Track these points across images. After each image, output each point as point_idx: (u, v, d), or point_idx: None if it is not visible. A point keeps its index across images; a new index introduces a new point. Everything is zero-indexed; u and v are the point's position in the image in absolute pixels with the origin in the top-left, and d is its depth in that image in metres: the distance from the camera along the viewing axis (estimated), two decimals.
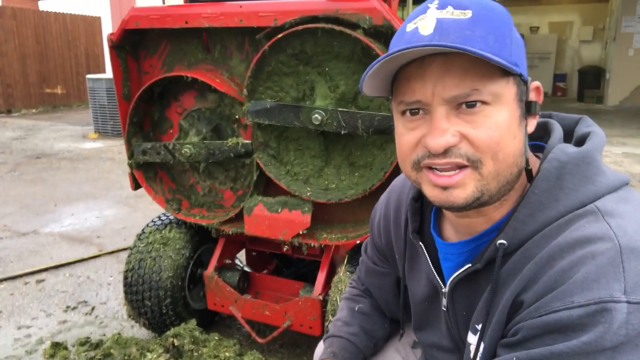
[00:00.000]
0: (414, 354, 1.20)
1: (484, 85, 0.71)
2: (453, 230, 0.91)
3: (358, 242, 2.06)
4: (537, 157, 0.85)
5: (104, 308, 2.70)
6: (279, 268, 2.72)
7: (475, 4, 0.72)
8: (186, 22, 1.83)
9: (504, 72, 0.72)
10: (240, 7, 1.76)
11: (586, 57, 13.74)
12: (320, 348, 1.23)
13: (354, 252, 2.02)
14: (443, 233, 0.94)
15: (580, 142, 0.82)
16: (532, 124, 0.80)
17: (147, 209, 4.36)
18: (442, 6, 0.72)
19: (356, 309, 1.20)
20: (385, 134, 1.74)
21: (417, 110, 0.76)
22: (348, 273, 1.93)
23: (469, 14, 0.71)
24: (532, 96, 0.79)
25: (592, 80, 12.38)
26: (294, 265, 2.69)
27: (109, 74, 9.26)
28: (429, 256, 0.94)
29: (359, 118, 1.72)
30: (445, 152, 0.73)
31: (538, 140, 0.87)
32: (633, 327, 0.63)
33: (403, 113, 0.78)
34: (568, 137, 0.85)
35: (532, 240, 0.75)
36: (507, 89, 0.73)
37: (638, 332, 0.63)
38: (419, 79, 0.74)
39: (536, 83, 0.80)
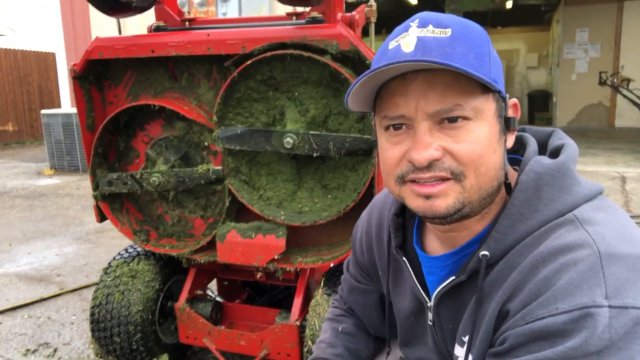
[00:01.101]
0: None
1: (465, 101, 0.74)
2: (437, 244, 0.93)
3: (332, 265, 2.06)
4: (515, 169, 0.87)
5: (68, 349, 2.56)
6: (251, 297, 2.67)
7: (455, 22, 0.76)
8: (152, 51, 1.83)
9: (484, 89, 0.76)
10: (208, 35, 1.77)
11: (533, 81, 14.49)
12: None
13: (330, 275, 2.02)
14: (425, 247, 0.95)
15: (555, 153, 0.85)
16: (510, 139, 0.83)
17: (109, 244, 4.22)
18: (422, 25, 0.75)
19: (340, 329, 1.19)
20: (356, 155, 1.77)
21: (400, 125, 0.78)
22: (325, 296, 1.92)
23: (449, 32, 0.74)
24: (510, 112, 0.82)
25: (541, 103, 13.02)
26: (266, 292, 2.65)
27: (64, 108, 9.05)
28: (412, 271, 0.95)
29: (331, 140, 1.75)
30: (429, 165, 0.75)
31: (513, 154, 0.90)
32: (616, 330, 0.65)
33: (387, 128, 0.80)
34: (542, 149, 0.89)
35: (514, 250, 0.77)
36: (487, 105, 0.76)
37: (620, 335, 0.65)
38: (402, 94, 0.76)
39: (514, 100, 0.83)
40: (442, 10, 12.03)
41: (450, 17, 0.77)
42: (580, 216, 0.75)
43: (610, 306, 0.66)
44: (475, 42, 0.75)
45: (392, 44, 0.77)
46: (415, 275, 0.95)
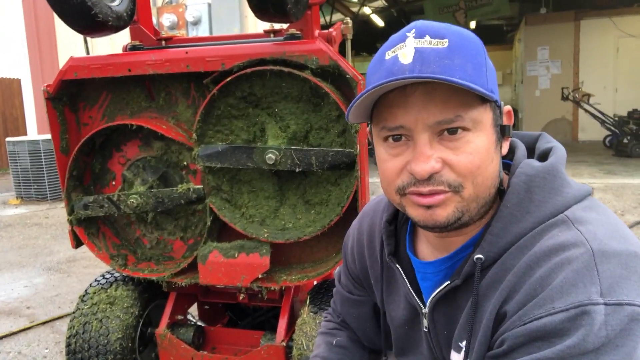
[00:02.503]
0: None
1: (465, 112, 0.75)
2: (429, 249, 0.93)
3: (315, 282, 2.03)
4: (505, 173, 0.88)
5: None
6: (232, 321, 2.61)
7: (452, 32, 0.76)
8: (129, 70, 1.80)
9: (482, 99, 0.76)
10: (186, 52, 1.76)
11: (500, 98, 14.91)
12: None
13: (316, 292, 1.99)
14: (418, 253, 0.95)
15: (543, 156, 0.86)
16: (505, 146, 0.84)
17: (81, 273, 4.07)
18: (419, 35, 0.75)
19: (334, 342, 1.17)
20: (339, 169, 1.77)
21: (399, 137, 0.78)
22: (312, 314, 1.89)
23: (446, 43, 0.74)
24: (505, 120, 0.83)
25: None
26: (248, 315, 2.59)
27: (30, 136, 8.80)
28: (406, 278, 0.94)
29: (313, 155, 1.74)
30: (429, 178, 0.75)
31: (503, 159, 0.91)
32: (612, 327, 0.65)
33: (385, 139, 0.80)
34: (529, 153, 0.90)
35: (509, 253, 0.78)
36: (485, 115, 0.78)
37: (617, 332, 0.65)
38: (402, 106, 0.76)
39: (507, 107, 0.84)
40: None
41: (447, 26, 0.78)
42: (572, 216, 0.76)
43: (605, 303, 0.66)
44: (472, 52, 0.76)
45: (388, 54, 0.77)
46: (409, 282, 0.94)
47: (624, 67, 11.45)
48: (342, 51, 2.20)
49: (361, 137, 1.70)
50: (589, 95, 9.69)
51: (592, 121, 10.03)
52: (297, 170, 1.76)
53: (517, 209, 0.78)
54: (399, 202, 0.82)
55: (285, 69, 1.69)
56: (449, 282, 0.85)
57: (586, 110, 9.69)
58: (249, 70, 1.71)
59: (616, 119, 9.37)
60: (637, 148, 8.83)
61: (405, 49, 0.74)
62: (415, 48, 0.74)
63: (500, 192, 0.83)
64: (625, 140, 9.00)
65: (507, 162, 0.89)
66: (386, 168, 0.81)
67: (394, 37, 0.79)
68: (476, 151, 0.76)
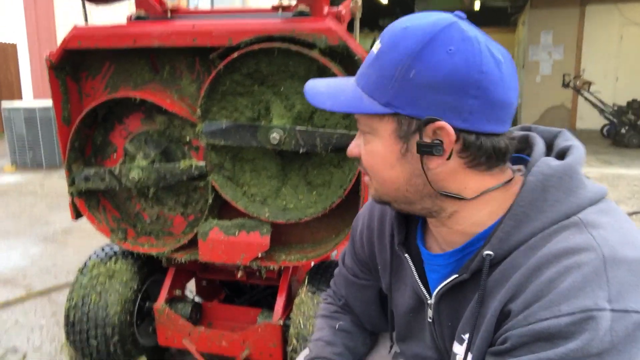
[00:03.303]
0: None
1: (362, 117, 0.83)
2: (437, 242, 0.93)
3: (313, 263, 2.04)
4: (519, 169, 0.87)
5: (38, 354, 2.45)
6: (229, 297, 2.62)
7: (388, 37, 0.79)
8: (134, 42, 1.76)
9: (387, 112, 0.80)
10: (193, 26, 1.72)
11: None
12: None
13: (314, 272, 2.00)
14: (428, 245, 0.95)
15: (561, 155, 0.85)
16: (435, 163, 0.79)
17: (78, 244, 4.07)
18: (380, 37, 0.82)
19: (337, 326, 1.17)
20: (343, 151, 1.76)
21: None
22: (310, 294, 1.90)
23: (377, 48, 0.79)
24: (429, 137, 0.76)
25: None
26: (245, 292, 2.60)
27: (26, 101, 8.70)
28: (414, 268, 0.95)
29: (318, 136, 1.72)
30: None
31: (520, 153, 0.90)
32: (617, 334, 0.66)
33: None
34: (548, 149, 0.89)
35: (518, 251, 0.77)
36: (381, 125, 0.80)
37: (621, 338, 0.66)
38: None
39: (439, 124, 0.74)
40: (412, 11, 12.18)
41: (398, 26, 0.79)
42: (585, 219, 0.76)
43: (612, 310, 0.66)
44: (389, 62, 0.77)
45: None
46: (417, 273, 0.94)
47: (627, 56, 11.36)
48: (349, 29, 2.16)
49: None
50: (589, 83, 9.63)
51: (591, 110, 10.00)
52: (300, 151, 1.75)
53: (530, 208, 0.78)
54: None
55: (293, 47, 1.66)
56: (456, 275, 0.85)
57: (586, 99, 9.64)
58: (256, 46, 1.68)
59: (615, 108, 9.34)
60: (634, 139, 8.82)
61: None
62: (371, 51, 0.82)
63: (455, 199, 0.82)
64: (623, 131, 8.98)
65: (525, 158, 0.88)
66: None
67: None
68: (371, 153, 0.83)
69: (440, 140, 0.76)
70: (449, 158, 0.78)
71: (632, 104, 9.14)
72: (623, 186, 6.01)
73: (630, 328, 0.66)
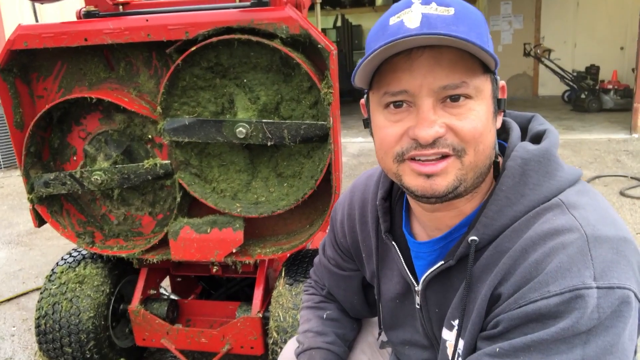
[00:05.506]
0: (380, 354, 1.20)
1: (470, 79, 0.75)
2: (422, 229, 0.93)
3: (288, 254, 2.03)
4: (499, 155, 0.88)
5: None
6: (205, 291, 2.60)
7: (456, 3, 0.76)
8: (86, 40, 1.68)
9: (485, 69, 0.77)
10: (147, 20, 1.65)
11: None
12: None
13: (290, 264, 1.99)
14: (414, 232, 0.96)
15: (536, 139, 0.87)
16: (499, 120, 0.85)
17: (44, 245, 3.95)
18: (426, 2, 0.74)
19: (324, 316, 1.17)
20: (312, 141, 1.73)
21: (400, 103, 0.77)
22: (287, 286, 1.89)
23: (452, 11, 0.74)
24: (500, 94, 0.83)
25: None
26: (221, 285, 2.58)
27: None
28: (401, 255, 0.95)
29: (285, 128, 1.69)
30: (433, 142, 0.75)
31: (497, 139, 0.91)
32: (603, 310, 0.68)
33: (386, 105, 0.79)
34: (522, 134, 0.90)
35: (503, 235, 0.79)
36: (486, 85, 0.78)
37: (607, 314, 0.68)
38: (407, 70, 0.75)
39: (502, 82, 0.84)
40: None
41: None
42: (565, 200, 0.78)
43: (598, 287, 0.69)
44: (476, 22, 0.76)
45: (393, 20, 0.75)
46: (403, 259, 0.95)
47: (583, 22, 11.59)
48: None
49: (334, 109, 1.66)
50: (549, 51, 9.81)
51: (552, 76, 10.20)
52: (268, 144, 1.72)
53: (512, 192, 0.79)
54: (395, 171, 0.81)
55: (254, 38, 1.61)
56: (442, 262, 0.86)
57: (547, 66, 9.83)
58: (214, 39, 1.62)
59: (574, 74, 9.56)
60: (593, 103, 9.07)
61: (411, 14, 0.74)
62: (422, 13, 0.73)
63: (495, 166, 0.84)
64: (582, 96, 9.22)
65: (502, 143, 0.89)
66: (385, 135, 0.80)
67: (397, 5, 0.78)
68: (478, 118, 0.76)
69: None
70: None
71: (590, 69, 9.37)
72: (585, 151, 6.19)
73: (615, 304, 0.68)
